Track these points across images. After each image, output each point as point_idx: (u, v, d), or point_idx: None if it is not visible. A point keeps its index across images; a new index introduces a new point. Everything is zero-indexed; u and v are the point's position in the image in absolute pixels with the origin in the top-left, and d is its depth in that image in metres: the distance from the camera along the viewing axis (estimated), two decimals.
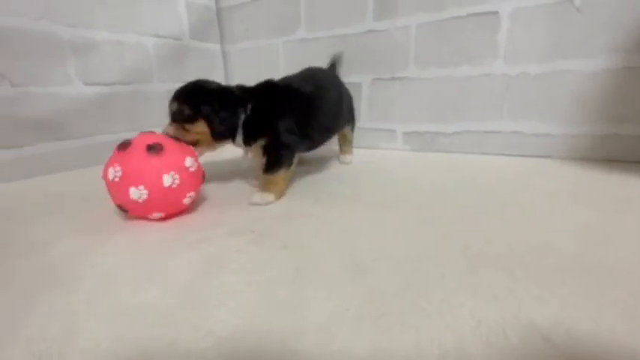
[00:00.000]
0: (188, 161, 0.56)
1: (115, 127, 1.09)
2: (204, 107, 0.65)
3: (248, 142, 0.70)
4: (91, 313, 0.34)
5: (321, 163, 0.97)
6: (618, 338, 0.28)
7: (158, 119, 1.22)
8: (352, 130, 0.98)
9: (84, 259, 0.46)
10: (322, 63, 0.98)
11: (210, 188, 0.75)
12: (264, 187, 0.67)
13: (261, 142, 0.68)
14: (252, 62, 1.41)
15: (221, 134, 0.68)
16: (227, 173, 0.89)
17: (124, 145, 0.54)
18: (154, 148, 0.53)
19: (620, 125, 0.84)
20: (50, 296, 0.37)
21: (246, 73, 1.43)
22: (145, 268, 0.43)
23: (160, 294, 0.37)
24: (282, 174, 0.68)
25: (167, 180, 0.52)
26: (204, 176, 0.62)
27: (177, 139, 0.62)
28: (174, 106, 0.66)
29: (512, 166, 0.88)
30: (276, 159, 0.68)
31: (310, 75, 0.83)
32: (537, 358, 0.26)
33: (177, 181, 0.53)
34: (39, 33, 0.90)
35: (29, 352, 0.29)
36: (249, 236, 0.51)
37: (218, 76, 1.44)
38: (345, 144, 0.98)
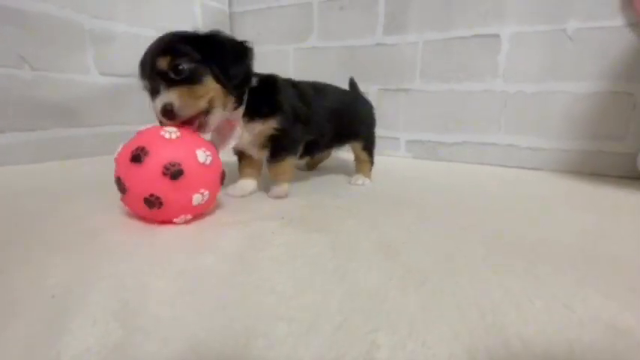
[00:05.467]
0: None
1: (126, 118, 1.10)
2: (206, 53, 0.52)
3: (251, 117, 0.61)
4: (157, 274, 0.36)
5: (330, 169, 1.01)
6: (619, 303, 0.33)
7: None
8: (364, 149, 0.83)
9: (128, 232, 0.48)
10: (332, 71, 1.03)
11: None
12: (276, 179, 0.66)
13: (264, 126, 0.61)
14: (261, 66, 1.45)
15: (239, 88, 0.56)
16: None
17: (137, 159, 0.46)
18: (175, 174, 0.46)
19: (605, 143, 0.93)
20: (110, 262, 0.39)
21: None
22: (191, 240, 0.45)
23: (216, 261, 0.39)
24: (290, 161, 0.66)
25: (197, 198, 0.49)
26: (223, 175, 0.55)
27: (184, 121, 0.51)
28: (164, 62, 0.50)
29: (508, 175, 0.95)
30: (284, 146, 0.65)
31: (314, 83, 0.78)
32: (561, 320, 0.31)
33: (206, 198, 0.50)
34: (62, 20, 0.91)
35: (110, 304, 0.31)
36: (280, 221, 0.54)
37: None
38: (359, 162, 0.85)
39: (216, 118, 0.56)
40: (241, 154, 0.70)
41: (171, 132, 0.49)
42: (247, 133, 0.63)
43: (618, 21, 0.87)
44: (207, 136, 0.58)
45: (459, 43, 1.06)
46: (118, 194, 0.50)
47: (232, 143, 0.63)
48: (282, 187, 0.67)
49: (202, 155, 0.49)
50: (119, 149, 0.50)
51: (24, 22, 0.84)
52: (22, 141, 0.87)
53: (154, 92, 0.52)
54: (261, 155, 0.67)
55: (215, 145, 0.56)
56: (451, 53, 1.07)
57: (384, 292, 0.34)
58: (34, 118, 0.88)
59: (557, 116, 0.97)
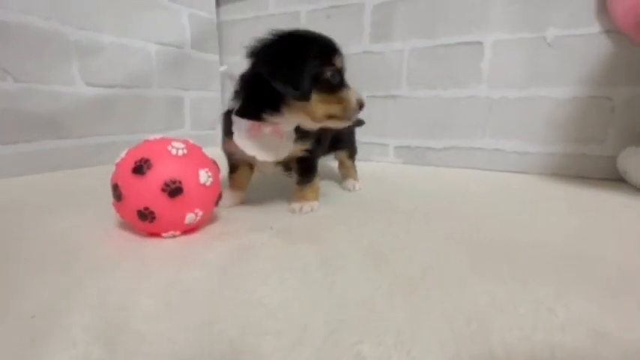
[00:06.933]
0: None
1: (113, 128, 1.09)
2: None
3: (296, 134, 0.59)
4: (142, 290, 0.36)
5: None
6: (600, 306, 0.34)
7: (155, 123, 1.23)
8: (350, 157, 0.86)
9: (115, 245, 0.47)
10: None
11: None
12: (306, 197, 0.65)
13: (298, 146, 0.60)
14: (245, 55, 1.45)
15: None
16: None
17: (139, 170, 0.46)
18: (174, 192, 0.46)
19: (586, 146, 0.96)
20: (96, 276, 0.38)
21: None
22: (178, 253, 0.45)
23: (202, 274, 0.39)
24: (317, 180, 0.67)
25: (190, 217, 0.49)
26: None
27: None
28: (342, 59, 0.54)
29: (496, 179, 0.97)
30: (311, 167, 0.66)
31: None
32: (544, 326, 0.31)
33: (199, 217, 0.50)
34: (47, 32, 0.90)
35: (91, 321, 0.30)
36: (269, 232, 0.54)
37: (214, 87, 1.47)
38: (345, 168, 0.87)
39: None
40: (237, 166, 0.67)
41: (178, 148, 0.49)
42: (289, 149, 0.59)
43: (595, 28, 0.91)
44: (251, 143, 0.56)
45: (443, 50, 1.08)
46: (106, 206, 0.49)
47: (280, 156, 0.60)
48: (312, 204, 0.64)
49: (204, 176, 0.49)
50: (123, 154, 0.49)
51: (7, 34, 0.83)
52: (5, 154, 0.85)
53: (341, 81, 0.54)
54: (271, 172, 0.67)
55: (259, 154, 0.56)
56: (436, 60, 1.09)
57: (372, 302, 0.34)
58: (18, 130, 0.87)
59: (541, 121, 0.99)
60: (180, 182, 0.46)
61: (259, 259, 0.44)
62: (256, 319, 0.31)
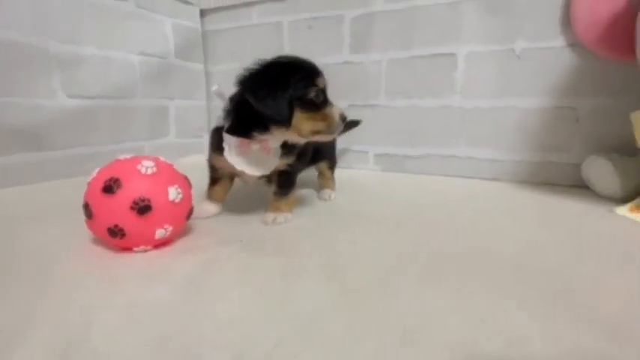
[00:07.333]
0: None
1: (97, 139, 1.10)
2: None
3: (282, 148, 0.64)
4: (106, 306, 0.38)
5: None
6: (531, 316, 0.37)
7: (140, 133, 1.25)
8: (330, 168, 0.90)
9: (85, 260, 0.49)
10: None
11: None
12: (280, 208, 0.67)
13: (282, 161, 0.65)
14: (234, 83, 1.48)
15: None
16: None
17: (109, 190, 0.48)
18: (143, 210, 0.48)
19: (554, 154, 1.00)
20: (61, 293, 0.40)
21: (227, 94, 1.50)
22: (147, 268, 0.47)
23: (167, 290, 0.42)
24: (294, 193, 0.71)
25: (160, 233, 0.51)
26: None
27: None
28: (324, 80, 0.60)
29: (468, 187, 1.01)
30: (290, 181, 0.69)
31: None
32: (473, 335, 0.34)
33: (169, 232, 0.52)
34: (27, 46, 0.92)
35: (51, 337, 0.33)
36: (238, 245, 0.56)
37: (200, 95, 1.49)
38: (324, 179, 0.89)
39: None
40: (219, 179, 0.70)
41: (147, 167, 0.51)
42: (275, 164, 0.64)
43: (561, 42, 0.95)
44: (240, 159, 0.61)
45: (419, 61, 1.11)
46: (83, 219, 0.51)
47: (266, 171, 0.64)
48: (287, 215, 0.67)
49: (174, 193, 0.52)
50: (94, 173, 0.52)
51: None
52: None
53: (324, 100, 0.61)
54: (254, 183, 0.70)
55: (248, 169, 0.61)
56: (413, 71, 1.13)
57: (319, 315, 0.37)
58: (0, 143, 0.88)
59: (511, 130, 1.03)
60: (149, 200, 0.49)
61: (223, 273, 0.46)
62: (209, 333, 0.34)
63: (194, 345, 0.32)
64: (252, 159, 0.62)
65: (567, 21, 0.93)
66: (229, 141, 0.61)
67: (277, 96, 0.56)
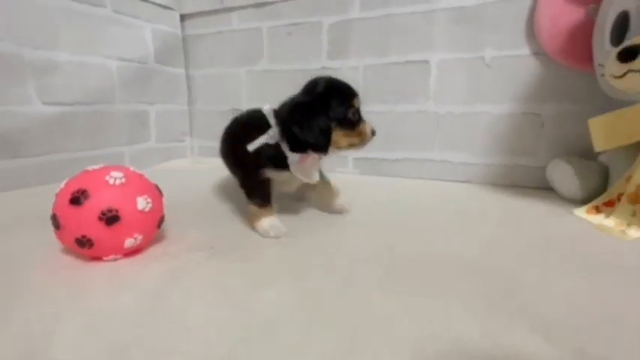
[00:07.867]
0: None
1: (74, 146, 1.10)
2: None
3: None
4: (69, 317, 0.39)
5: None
6: (476, 318, 0.40)
7: (119, 138, 1.25)
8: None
9: (54, 270, 0.50)
10: (283, 93, 1.08)
11: None
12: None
13: None
14: (215, 88, 1.49)
15: None
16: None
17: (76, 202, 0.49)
18: (111, 220, 0.49)
19: (521, 158, 1.04)
20: (27, 303, 0.41)
21: (209, 98, 1.51)
22: (115, 277, 0.48)
23: (132, 299, 0.43)
24: None
25: (129, 242, 0.52)
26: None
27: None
28: (359, 100, 0.67)
29: (442, 189, 1.04)
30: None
31: None
32: (417, 337, 0.37)
33: (138, 241, 0.53)
34: (0, 53, 0.91)
35: (13, 348, 0.34)
36: (209, 251, 0.58)
37: (181, 100, 1.49)
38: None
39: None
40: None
41: (116, 177, 0.52)
42: (318, 170, 0.73)
43: (526, 50, 0.99)
44: (300, 172, 0.68)
45: (394, 67, 1.15)
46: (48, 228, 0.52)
47: (316, 177, 0.72)
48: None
49: (143, 202, 0.53)
50: (62, 185, 0.52)
51: None
52: None
53: (359, 118, 0.68)
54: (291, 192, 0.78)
55: (305, 179, 0.69)
56: (388, 77, 1.16)
57: (277, 321, 0.39)
58: None
59: (482, 134, 1.07)
60: (117, 210, 0.50)
61: (190, 281, 0.48)
62: (169, 341, 0.35)
63: (153, 353, 0.34)
64: (307, 169, 0.70)
65: (532, 31, 0.97)
66: (293, 157, 0.67)
67: (316, 129, 0.62)
